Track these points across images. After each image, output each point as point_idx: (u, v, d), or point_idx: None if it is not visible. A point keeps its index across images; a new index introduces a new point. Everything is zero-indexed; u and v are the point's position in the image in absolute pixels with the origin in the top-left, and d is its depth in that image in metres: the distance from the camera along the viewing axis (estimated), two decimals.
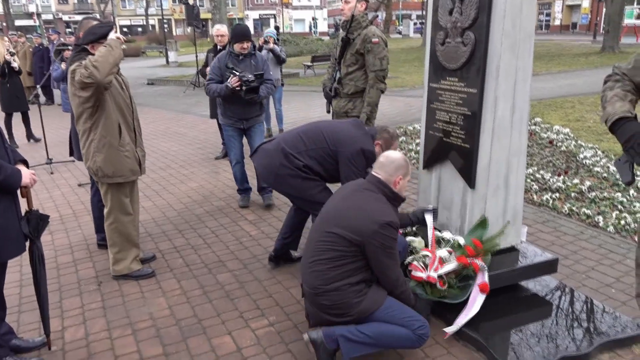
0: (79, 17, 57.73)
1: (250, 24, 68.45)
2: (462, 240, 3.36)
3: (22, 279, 4.26)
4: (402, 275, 3.01)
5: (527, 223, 4.74)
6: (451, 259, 3.26)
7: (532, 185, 5.99)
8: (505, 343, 3.13)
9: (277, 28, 32.39)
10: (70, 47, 8.84)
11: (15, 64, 9.40)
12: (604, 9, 27.42)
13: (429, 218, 3.62)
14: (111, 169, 3.93)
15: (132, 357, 3.23)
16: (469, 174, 3.42)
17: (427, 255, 3.29)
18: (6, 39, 12.70)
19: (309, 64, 20.19)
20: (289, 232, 4.24)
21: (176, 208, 5.93)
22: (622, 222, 4.93)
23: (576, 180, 6.05)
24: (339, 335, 2.87)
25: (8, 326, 3.26)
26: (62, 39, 13.65)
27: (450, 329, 3.17)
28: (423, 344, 2.97)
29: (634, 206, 5.29)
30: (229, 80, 5.14)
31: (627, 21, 30.46)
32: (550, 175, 6.30)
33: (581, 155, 7.02)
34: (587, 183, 5.93)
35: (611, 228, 4.86)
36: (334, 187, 3.65)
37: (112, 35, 3.76)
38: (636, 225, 4.83)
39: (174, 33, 56.62)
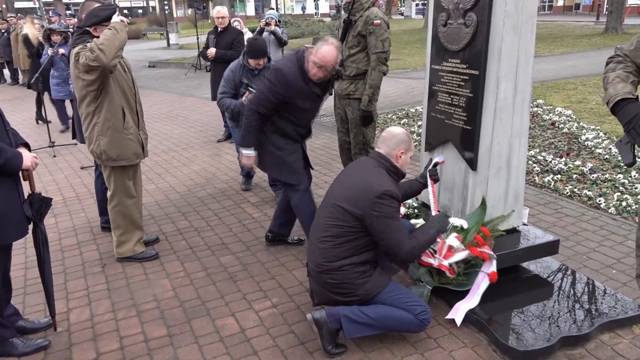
0: None
1: (251, 6, 67.98)
2: (465, 224, 3.35)
3: (27, 262, 4.29)
4: (404, 239, 2.90)
5: (528, 205, 4.76)
6: (460, 247, 3.24)
7: (534, 167, 5.99)
8: (507, 323, 3.16)
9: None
10: (58, 30, 8.74)
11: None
12: None
13: (429, 172, 3.48)
14: (115, 152, 3.95)
15: (136, 338, 3.28)
16: (470, 156, 3.43)
17: (437, 241, 3.25)
18: (36, 21, 12.51)
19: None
20: (281, 213, 4.35)
21: (179, 191, 5.95)
22: (624, 203, 4.94)
23: (578, 162, 6.05)
24: (342, 315, 2.91)
25: (14, 308, 3.30)
26: (63, 21, 13.58)
27: (457, 319, 3.20)
28: (424, 329, 3.01)
29: (636, 188, 5.30)
30: (244, 98, 4.86)
31: (631, 2, 30.18)
32: (552, 157, 6.29)
33: (583, 137, 7.00)
34: (589, 165, 5.93)
35: (612, 210, 4.87)
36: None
37: (117, 18, 3.74)
38: (637, 206, 4.84)
39: (175, 15, 56.18)
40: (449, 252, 3.21)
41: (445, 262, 3.20)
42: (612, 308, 3.26)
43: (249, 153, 3.94)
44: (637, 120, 2.35)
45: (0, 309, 3.05)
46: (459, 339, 3.12)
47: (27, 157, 2.93)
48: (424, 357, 2.98)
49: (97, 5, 3.92)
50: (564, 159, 6.21)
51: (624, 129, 2.44)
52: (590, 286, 3.55)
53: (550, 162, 6.12)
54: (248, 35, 9.07)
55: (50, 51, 8.43)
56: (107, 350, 3.16)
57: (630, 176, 5.58)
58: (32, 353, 3.12)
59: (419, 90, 11.14)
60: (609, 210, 4.88)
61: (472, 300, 3.25)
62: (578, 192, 5.31)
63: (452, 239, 3.24)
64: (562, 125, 7.71)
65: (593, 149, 6.58)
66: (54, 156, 7.66)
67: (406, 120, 8.76)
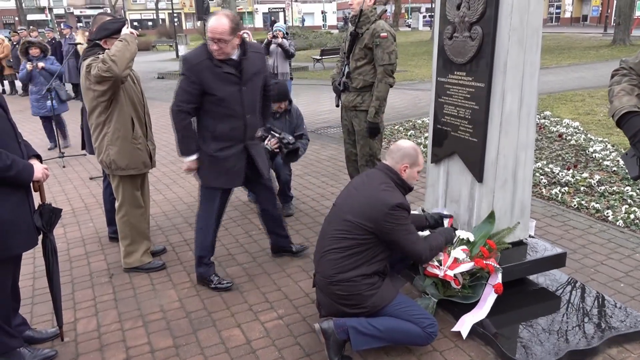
0: (90, 12, 58.10)
1: (259, 18, 68.36)
2: (471, 237, 3.35)
3: (35, 272, 4.32)
4: (420, 243, 3.05)
5: (535, 217, 4.75)
6: (466, 259, 3.24)
7: (541, 179, 5.98)
8: (514, 337, 3.15)
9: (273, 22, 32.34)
10: (36, 44, 8.27)
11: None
12: (615, 1, 27.14)
13: (447, 224, 3.61)
14: (125, 161, 3.99)
15: (143, 348, 3.29)
16: (477, 168, 3.43)
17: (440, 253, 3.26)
18: (87, 33, 12.54)
19: (318, 57, 20.17)
20: (269, 226, 4.36)
21: (186, 201, 5.97)
22: (632, 216, 4.91)
23: (585, 174, 6.03)
24: (350, 327, 2.91)
25: (22, 317, 3.32)
26: (74, 34, 13.71)
27: (463, 332, 3.19)
28: (431, 342, 3.01)
29: None
30: (267, 142, 4.68)
31: (639, 13, 30.12)
32: (559, 169, 6.28)
33: (591, 149, 6.99)
34: (597, 177, 5.91)
35: (620, 222, 4.85)
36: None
37: (126, 30, 3.83)
38: None
39: (184, 27, 56.65)
40: (455, 264, 3.21)
41: (451, 273, 3.20)
42: (621, 322, 3.24)
43: (191, 158, 3.78)
44: None
45: (8, 318, 3.06)
46: (465, 352, 3.10)
47: (38, 169, 2.96)
48: None
49: (108, 18, 4.00)
50: (571, 171, 6.19)
51: (629, 142, 2.44)
52: (599, 300, 3.53)
53: (558, 174, 6.11)
54: None
55: (28, 65, 8.07)
56: None
57: (639, 188, 5.55)
58: None
59: (426, 102, 11.16)
60: (617, 223, 4.85)
61: (479, 313, 3.24)
62: (586, 204, 5.29)
63: (458, 252, 3.24)
64: (569, 137, 7.69)
65: (601, 161, 6.56)
66: (64, 167, 7.72)
67: (413, 131, 8.77)
